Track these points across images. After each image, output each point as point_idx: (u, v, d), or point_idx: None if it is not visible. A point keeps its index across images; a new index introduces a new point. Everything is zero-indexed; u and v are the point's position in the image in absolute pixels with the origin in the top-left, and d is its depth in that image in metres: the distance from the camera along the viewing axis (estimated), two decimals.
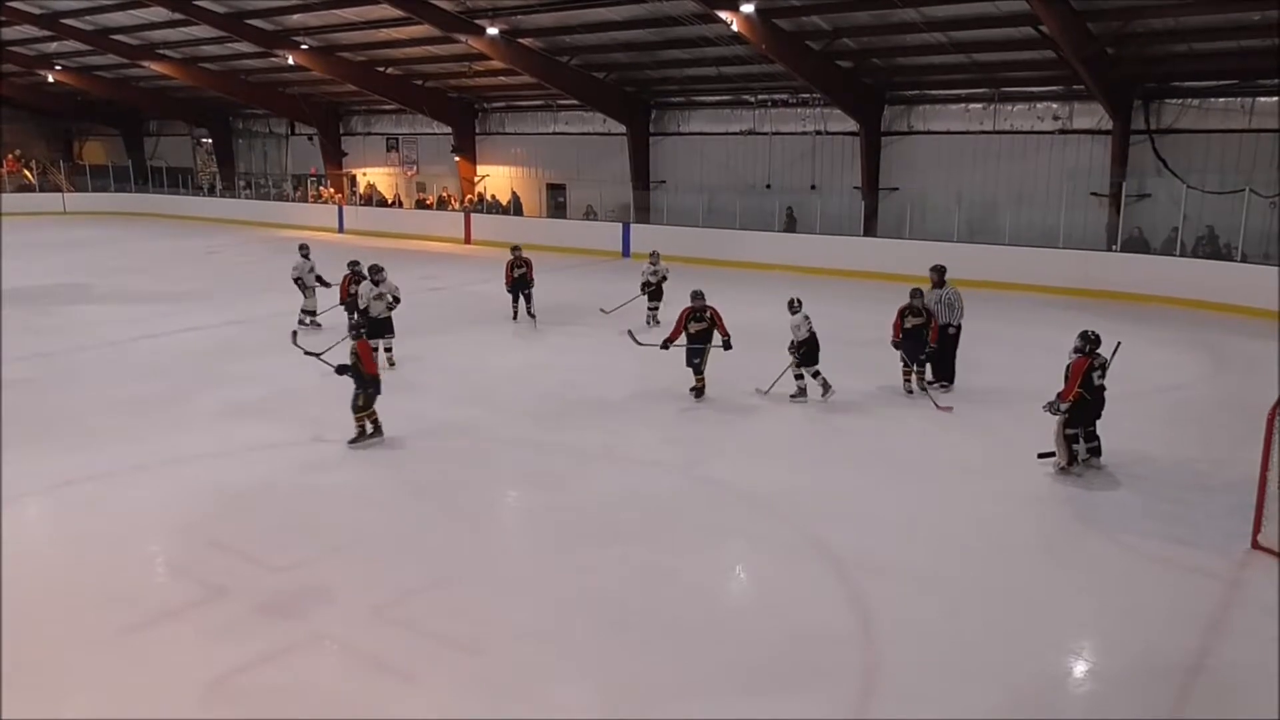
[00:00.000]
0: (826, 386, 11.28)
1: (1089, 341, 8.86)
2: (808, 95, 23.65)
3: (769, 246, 22.79)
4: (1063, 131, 21.06)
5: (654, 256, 16.02)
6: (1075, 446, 8.94)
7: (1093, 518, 8.21)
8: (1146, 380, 12.13)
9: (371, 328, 12.14)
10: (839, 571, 7.16)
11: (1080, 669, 6.12)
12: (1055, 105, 21.13)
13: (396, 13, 22.80)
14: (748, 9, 18.49)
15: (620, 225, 25.66)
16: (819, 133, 24.26)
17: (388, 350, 12.77)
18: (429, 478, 9.24)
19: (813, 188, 24.23)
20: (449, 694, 5.66)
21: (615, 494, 8.77)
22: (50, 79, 35.18)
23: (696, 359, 11.35)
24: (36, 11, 28.24)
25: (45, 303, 17.05)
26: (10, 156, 40.14)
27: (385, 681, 5.79)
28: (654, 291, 15.68)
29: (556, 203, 29.77)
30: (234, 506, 8.36)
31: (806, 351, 11.22)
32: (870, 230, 22.42)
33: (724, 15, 18.93)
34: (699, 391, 11.44)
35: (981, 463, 9.51)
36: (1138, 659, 6.04)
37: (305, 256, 15.65)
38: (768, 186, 24.83)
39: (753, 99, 25.09)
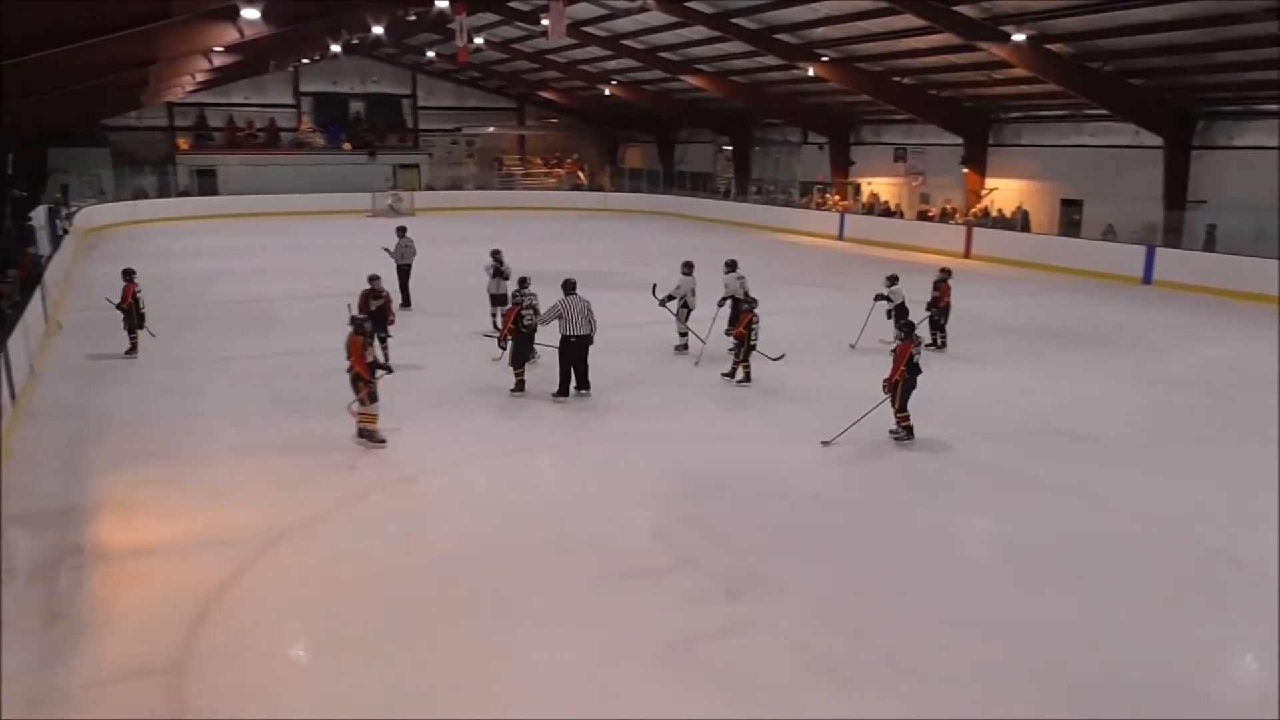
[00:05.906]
0: None
1: None
2: None
3: None
4: None
5: (731, 264, 14.78)
6: None
7: None
8: None
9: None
10: None
11: None
12: None
13: (918, 22, 22.62)
14: None
15: (1143, 248, 23.00)
16: None
17: None
18: (890, 487, 9.17)
19: None
20: (886, 712, 5.58)
21: (1082, 538, 8.01)
22: (607, 92, 40.52)
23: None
24: (603, 34, 32.68)
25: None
26: (569, 160, 47.27)
27: (827, 684, 5.87)
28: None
29: (1070, 220, 27.59)
30: (705, 487, 9.02)
31: None
32: None
33: None
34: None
35: None
36: None
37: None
38: None
39: None
